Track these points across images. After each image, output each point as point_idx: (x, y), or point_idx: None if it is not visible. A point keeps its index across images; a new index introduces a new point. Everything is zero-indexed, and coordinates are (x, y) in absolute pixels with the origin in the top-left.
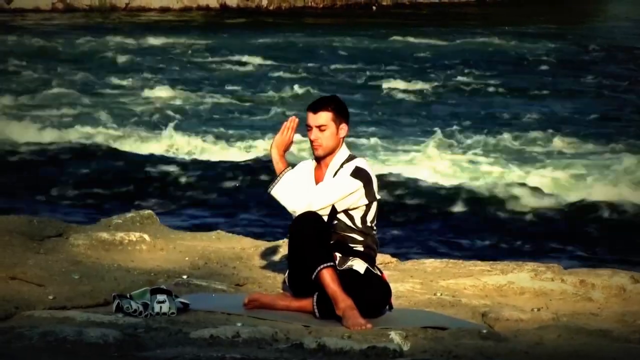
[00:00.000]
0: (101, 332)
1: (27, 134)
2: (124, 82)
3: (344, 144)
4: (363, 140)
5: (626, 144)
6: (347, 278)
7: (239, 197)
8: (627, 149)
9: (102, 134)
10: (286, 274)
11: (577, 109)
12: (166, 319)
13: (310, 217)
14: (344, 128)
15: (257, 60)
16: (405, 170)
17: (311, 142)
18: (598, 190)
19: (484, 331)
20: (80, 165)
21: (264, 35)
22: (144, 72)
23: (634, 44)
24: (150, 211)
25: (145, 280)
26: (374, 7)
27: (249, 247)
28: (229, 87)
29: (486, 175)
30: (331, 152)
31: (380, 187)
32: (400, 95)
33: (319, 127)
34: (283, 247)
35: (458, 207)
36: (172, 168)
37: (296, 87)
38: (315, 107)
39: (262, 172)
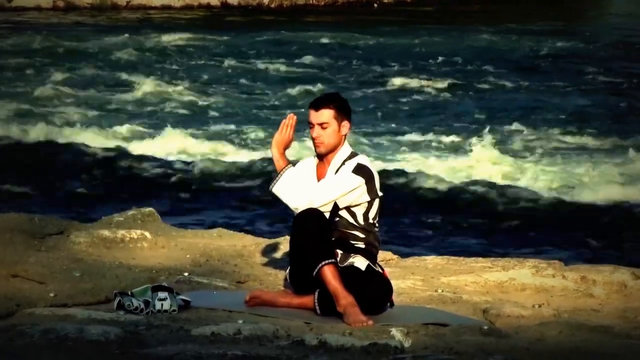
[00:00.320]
0: (102, 329)
1: (26, 132)
2: (126, 80)
3: (346, 141)
4: (367, 138)
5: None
6: (348, 275)
7: (240, 194)
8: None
9: (104, 132)
10: (287, 271)
11: (590, 105)
12: (167, 316)
13: (313, 213)
14: (345, 125)
15: (260, 57)
16: (406, 167)
17: (313, 139)
18: (605, 187)
19: (485, 327)
20: (81, 164)
21: (266, 32)
22: (147, 70)
23: None
24: (151, 209)
25: (146, 277)
26: (375, 5)
27: (250, 245)
28: (232, 85)
29: (489, 171)
30: (333, 149)
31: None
32: (410, 93)
33: (320, 124)
34: (284, 244)
35: (460, 203)
36: (174, 166)
37: (299, 85)
38: (317, 105)
39: (265, 169)
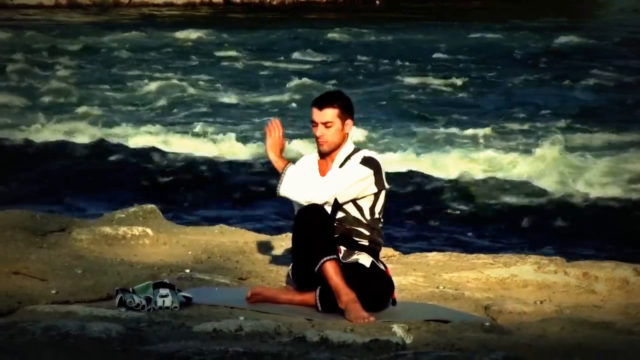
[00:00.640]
0: (104, 326)
1: (32, 130)
2: (129, 77)
3: (349, 137)
4: (374, 134)
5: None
6: (352, 271)
7: (242, 191)
8: None
9: (107, 130)
10: (290, 267)
11: (596, 101)
12: (169, 313)
13: (315, 208)
14: (349, 124)
15: (263, 55)
16: (407, 162)
17: (316, 138)
18: (609, 183)
19: (487, 324)
20: (84, 163)
21: (268, 29)
22: (150, 68)
23: None
24: (153, 205)
25: (148, 274)
26: (377, 2)
27: (252, 241)
28: (236, 83)
29: (493, 166)
30: (336, 148)
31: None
32: (414, 90)
33: (324, 123)
34: (286, 240)
35: (461, 199)
36: (176, 162)
37: (303, 80)
38: (321, 104)
39: (267, 166)
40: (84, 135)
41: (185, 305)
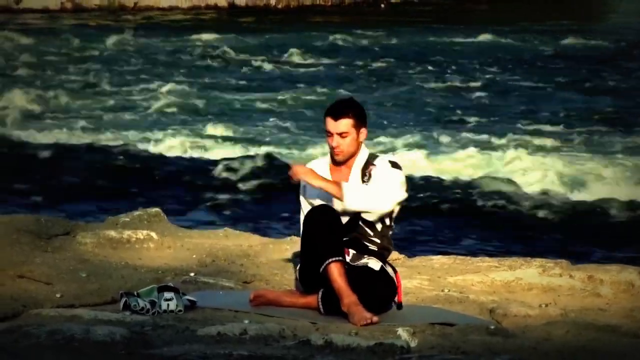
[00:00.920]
0: (108, 330)
1: (38, 134)
2: (136, 81)
3: (363, 144)
4: (385, 137)
5: None
6: (360, 273)
7: (247, 194)
8: None
9: (113, 133)
10: (297, 269)
11: (601, 103)
12: (173, 316)
13: (324, 208)
14: (363, 132)
15: (272, 58)
16: (416, 166)
17: (332, 148)
18: (614, 186)
19: (492, 327)
20: (89, 164)
21: (274, 32)
22: (155, 71)
23: None
24: (157, 209)
25: (152, 278)
26: (382, 5)
27: (256, 245)
28: (243, 86)
29: (500, 170)
30: (351, 156)
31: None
32: (425, 92)
33: (340, 134)
34: (291, 244)
35: (465, 202)
36: (182, 166)
37: (316, 86)
38: (335, 114)
39: (274, 169)
40: (88, 138)
41: (190, 309)
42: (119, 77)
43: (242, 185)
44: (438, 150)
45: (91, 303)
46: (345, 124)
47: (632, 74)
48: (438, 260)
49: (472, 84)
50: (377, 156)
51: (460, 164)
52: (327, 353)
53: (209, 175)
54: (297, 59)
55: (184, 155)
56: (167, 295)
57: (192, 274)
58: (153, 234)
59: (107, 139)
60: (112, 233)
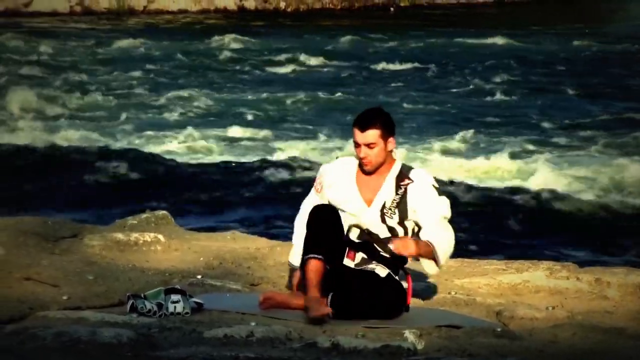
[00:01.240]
0: (115, 332)
1: (47, 136)
2: (145, 83)
3: (393, 152)
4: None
5: None
6: (365, 278)
7: (255, 197)
8: None
9: (123, 135)
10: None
11: (607, 108)
12: (180, 318)
13: (329, 207)
14: (392, 141)
15: (280, 61)
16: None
17: (360, 159)
18: (620, 189)
19: (499, 330)
20: (96, 166)
21: (285, 36)
22: (165, 73)
23: None
24: (165, 212)
25: (159, 280)
26: (392, 9)
27: (263, 247)
28: (253, 89)
29: (504, 174)
30: (380, 166)
31: None
32: (439, 96)
33: (367, 145)
34: None
35: (473, 205)
36: (189, 168)
37: (324, 89)
38: (363, 125)
39: (280, 173)
40: (99, 141)
41: (197, 311)
42: (129, 81)
43: (250, 188)
44: (454, 153)
45: (98, 305)
46: (372, 134)
47: None
48: (445, 262)
49: (489, 87)
50: (412, 168)
51: (478, 168)
52: (333, 355)
53: (216, 177)
54: (311, 61)
55: (194, 158)
56: (174, 297)
57: (199, 277)
58: (160, 237)
59: (116, 142)
60: (120, 235)
